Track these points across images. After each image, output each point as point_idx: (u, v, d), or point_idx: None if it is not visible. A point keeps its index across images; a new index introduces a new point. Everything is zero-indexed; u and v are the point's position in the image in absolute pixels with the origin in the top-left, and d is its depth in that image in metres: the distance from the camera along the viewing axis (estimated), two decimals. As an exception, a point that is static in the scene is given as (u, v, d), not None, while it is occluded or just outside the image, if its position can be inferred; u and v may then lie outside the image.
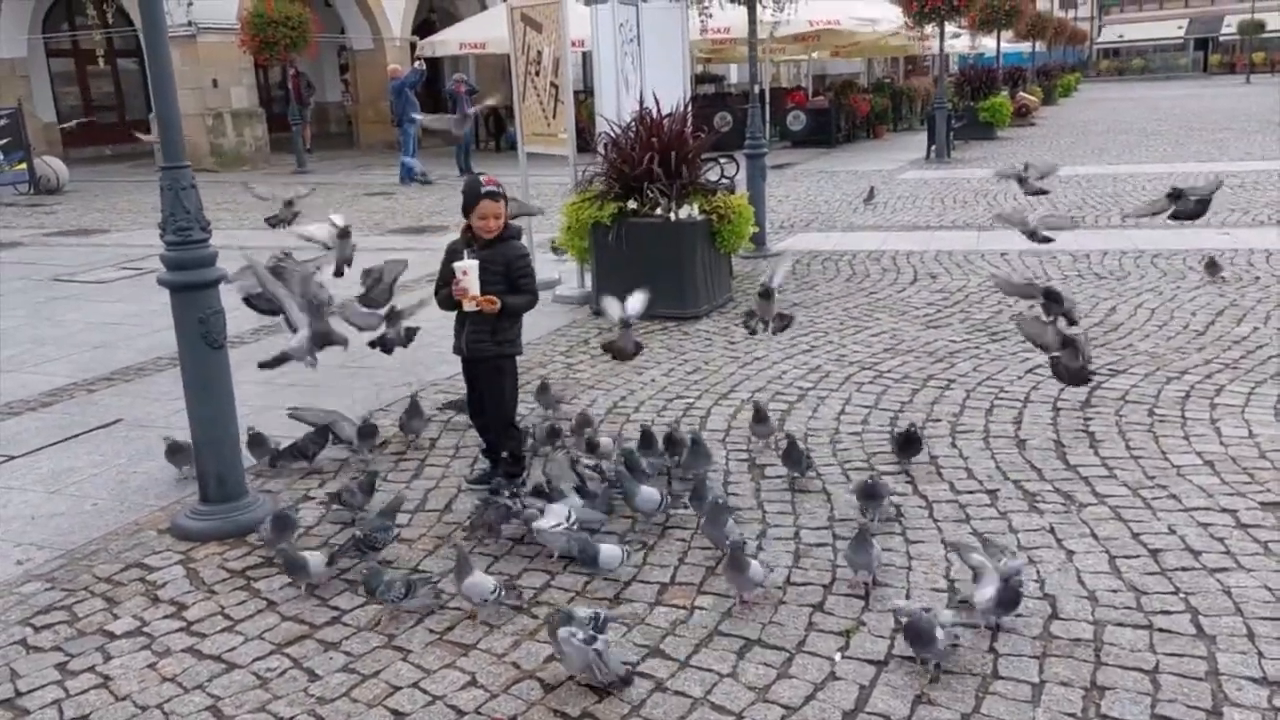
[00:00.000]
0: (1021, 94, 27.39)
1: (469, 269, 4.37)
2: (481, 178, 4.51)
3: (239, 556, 4.16)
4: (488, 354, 4.57)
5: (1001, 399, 5.63)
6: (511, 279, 4.50)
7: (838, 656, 3.28)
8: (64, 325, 8.39)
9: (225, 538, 4.29)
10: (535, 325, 7.68)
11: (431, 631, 3.56)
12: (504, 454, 4.66)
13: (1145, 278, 8.40)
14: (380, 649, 3.47)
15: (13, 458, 5.40)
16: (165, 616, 3.73)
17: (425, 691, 3.21)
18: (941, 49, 20.18)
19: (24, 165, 18.51)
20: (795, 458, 4.56)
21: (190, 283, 4.22)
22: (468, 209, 4.47)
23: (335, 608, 3.74)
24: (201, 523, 4.36)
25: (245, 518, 4.39)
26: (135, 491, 4.90)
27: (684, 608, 3.64)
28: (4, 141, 18.19)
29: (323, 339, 4.45)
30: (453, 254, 4.52)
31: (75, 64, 27.47)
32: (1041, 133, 24.62)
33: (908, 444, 4.72)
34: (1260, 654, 3.18)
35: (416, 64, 20.46)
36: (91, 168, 23.20)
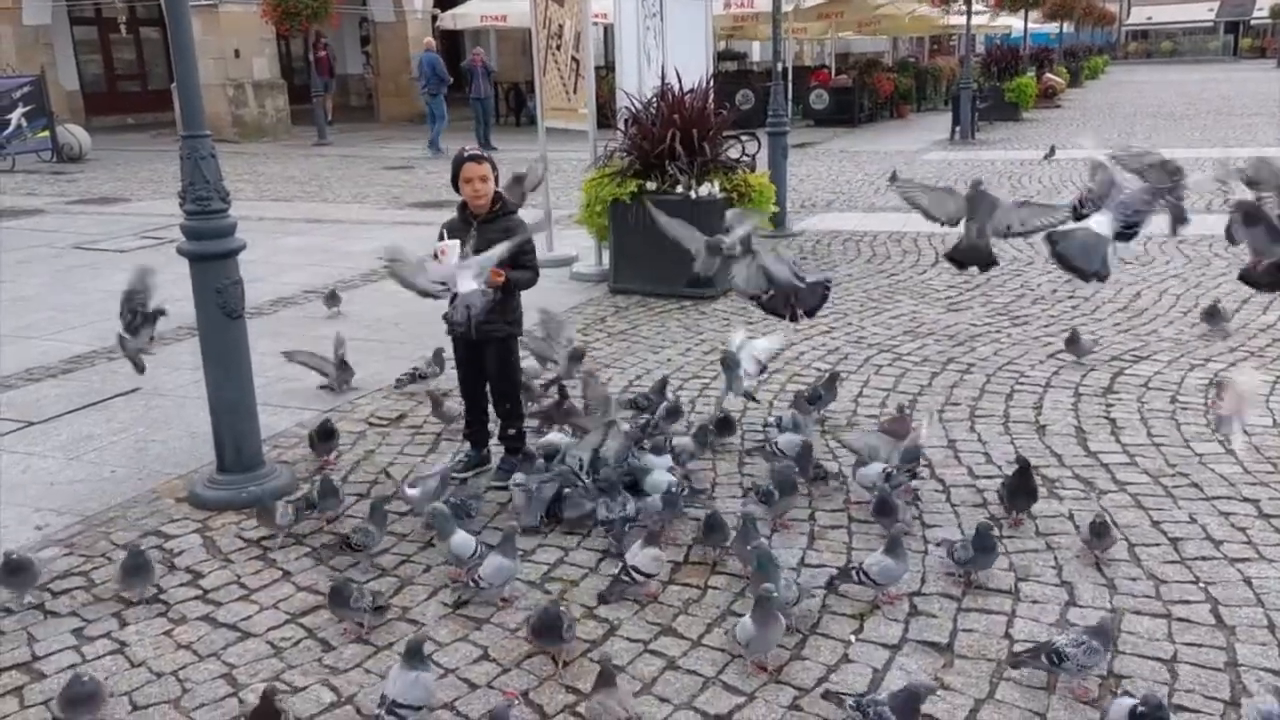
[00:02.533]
0: (1048, 75, 27.05)
1: (448, 249, 4.22)
2: (463, 148, 4.51)
3: (255, 526, 4.17)
4: (499, 334, 4.47)
5: (1022, 384, 5.58)
6: (513, 255, 4.36)
7: (852, 639, 3.27)
8: (84, 293, 8.43)
9: (242, 507, 4.31)
10: (552, 302, 7.63)
11: (444, 605, 3.57)
12: (509, 430, 4.62)
13: (1171, 263, 8.29)
14: (394, 621, 3.48)
15: (33, 424, 5.44)
16: (181, 584, 3.75)
17: (438, 664, 3.21)
18: (969, 28, 19.92)
19: (47, 133, 18.58)
20: (802, 467, 4.29)
21: (208, 253, 4.21)
22: (455, 179, 4.43)
23: (350, 580, 3.74)
24: (218, 492, 4.38)
25: (262, 488, 4.40)
26: (153, 460, 4.92)
27: (697, 587, 3.63)
28: (27, 109, 18.23)
29: None
30: (450, 232, 4.41)
31: (98, 32, 27.51)
32: (1067, 115, 24.32)
33: (1022, 481, 3.95)
34: (1280, 646, 3.15)
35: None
36: (113, 136, 23.26)
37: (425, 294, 4.17)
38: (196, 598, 3.66)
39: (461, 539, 3.65)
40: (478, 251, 4.22)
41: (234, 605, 3.60)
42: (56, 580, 3.78)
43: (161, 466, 4.83)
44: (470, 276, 4.09)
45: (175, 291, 4.97)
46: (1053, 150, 15.59)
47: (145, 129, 25.64)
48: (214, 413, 4.47)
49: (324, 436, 4.78)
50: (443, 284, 4.11)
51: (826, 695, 2.93)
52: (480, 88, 20.07)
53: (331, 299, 7.50)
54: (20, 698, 3.12)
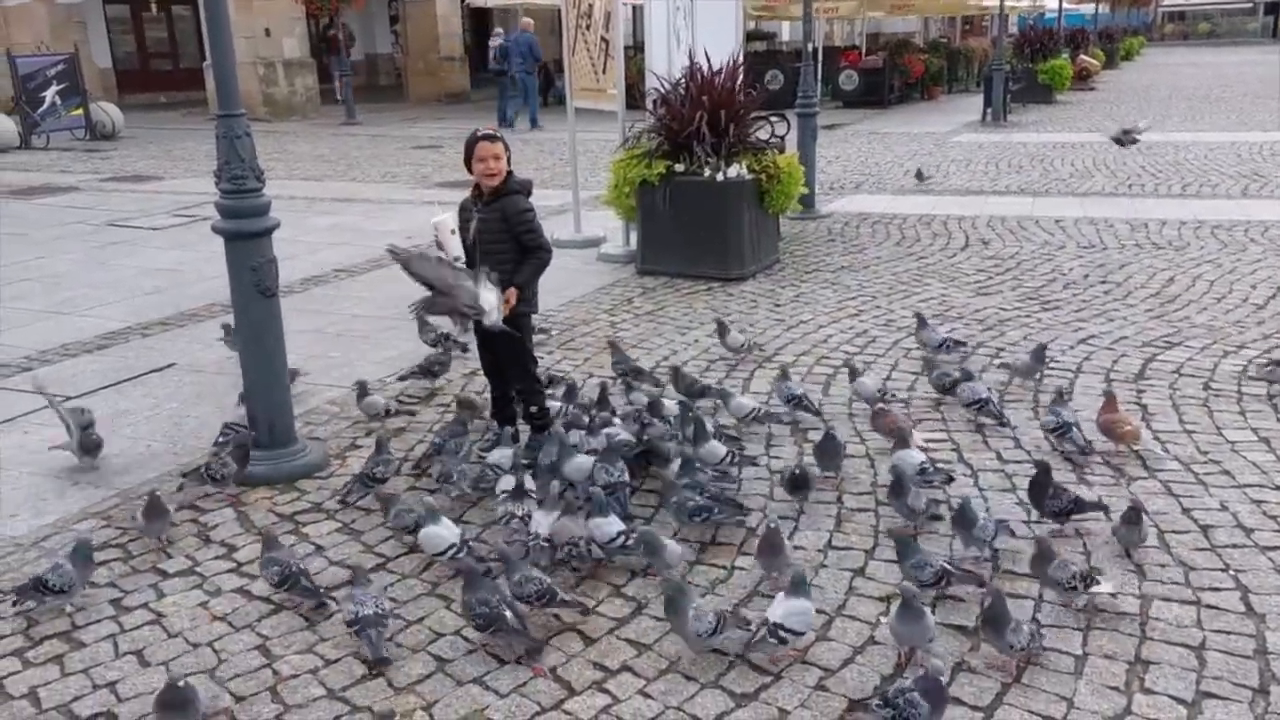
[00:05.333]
0: (1082, 57, 26.66)
1: (439, 225, 4.23)
2: (478, 129, 4.47)
3: (288, 501, 4.24)
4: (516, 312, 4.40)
5: (1052, 369, 5.53)
6: (514, 235, 4.35)
7: (878, 620, 3.28)
8: (119, 270, 8.54)
9: (275, 483, 4.37)
10: (579, 283, 7.69)
11: (474, 581, 3.61)
12: (531, 409, 4.64)
13: (1205, 249, 8.19)
14: (424, 596, 3.52)
15: (70, 398, 5.52)
16: (216, 557, 3.81)
17: (467, 639, 3.25)
18: (1002, 8, 19.66)
19: (80, 111, 18.77)
20: (832, 453, 4.26)
21: (244, 231, 4.26)
22: (468, 159, 4.40)
23: (381, 554, 3.80)
24: (253, 467, 4.42)
25: (294, 464, 4.46)
26: (188, 435, 4.99)
27: (724, 567, 3.65)
28: (61, 87, 18.42)
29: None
30: (463, 212, 4.45)
31: (131, 10, 27.73)
32: (1102, 97, 23.99)
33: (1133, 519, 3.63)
34: (1311, 635, 3.13)
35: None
36: (146, 114, 23.46)
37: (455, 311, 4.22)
38: (231, 570, 3.72)
39: (429, 533, 3.60)
40: (481, 230, 4.30)
41: (268, 578, 3.66)
42: (95, 552, 3.85)
43: (196, 441, 4.90)
44: (496, 310, 4.13)
45: (209, 269, 5.02)
46: (1127, 133, 12.29)
47: (177, 107, 25.85)
48: (248, 389, 4.53)
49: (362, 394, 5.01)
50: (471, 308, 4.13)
51: (852, 707, 2.89)
52: (511, 64, 20.30)
53: (229, 332, 5.73)
54: (61, 665, 3.20)
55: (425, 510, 3.68)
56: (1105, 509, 3.77)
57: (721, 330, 5.83)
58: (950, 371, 5.08)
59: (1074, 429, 4.42)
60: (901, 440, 4.19)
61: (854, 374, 5.15)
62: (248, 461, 4.31)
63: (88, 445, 4.55)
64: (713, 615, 3.07)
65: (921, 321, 5.81)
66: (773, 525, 3.52)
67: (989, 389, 4.88)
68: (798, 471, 4.03)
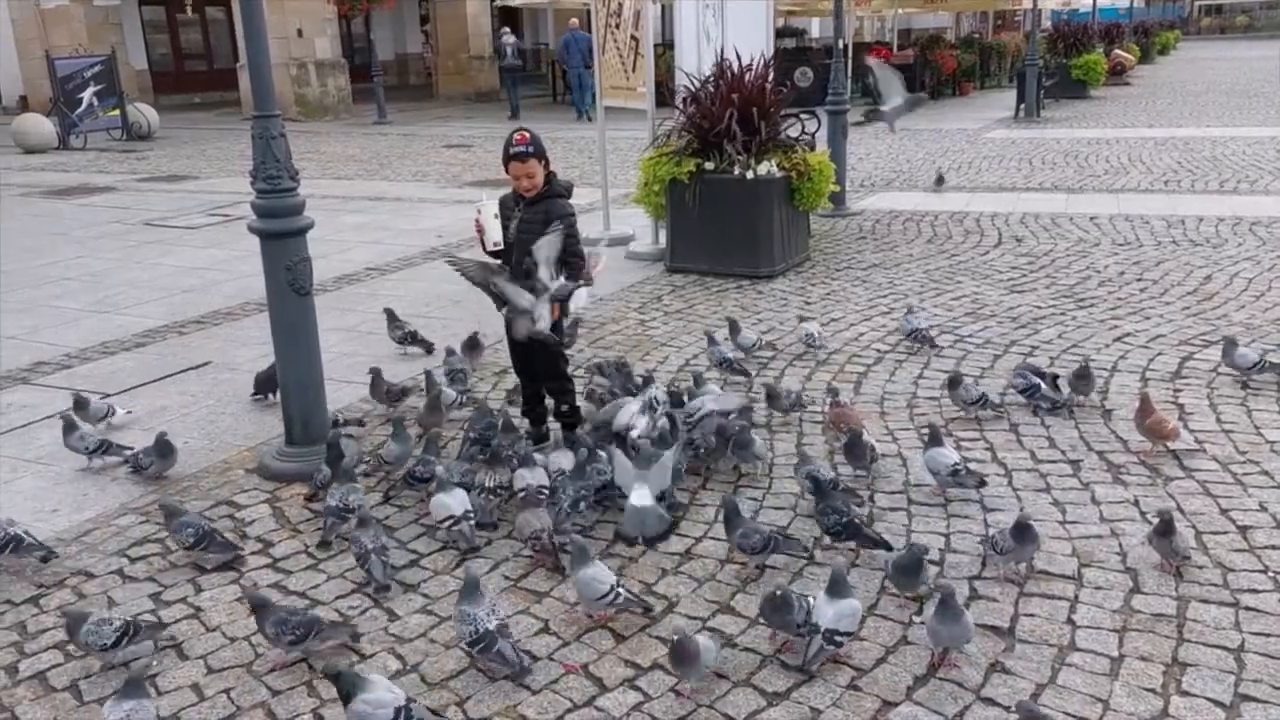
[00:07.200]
0: (1117, 51, 26.33)
1: (483, 209, 4.37)
2: (514, 135, 4.39)
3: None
4: None
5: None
6: (560, 251, 4.31)
7: (912, 620, 3.27)
8: (156, 269, 8.65)
9: (309, 479, 4.41)
10: (609, 281, 7.69)
11: (506, 578, 3.63)
12: (562, 407, 4.66)
13: (1243, 245, 8.07)
14: (458, 593, 3.54)
15: (108, 395, 5.60)
16: (252, 553, 3.86)
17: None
18: (1035, 3, 19.46)
19: (117, 111, 19.04)
20: (859, 453, 4.24)
21: (279, 230, 4.30)
22: (504, 166, 4.44)
23: (414, 551, 3.83)
24: (287, 464, 4.49)
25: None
26: (224, 431, 5.06)
27: (756, 566, 3.65)
28: (98, 88, 18.70)
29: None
30: (504, 208, 4.49)
31: (166, 12, 28.09)
32: (1137, 93, 23.68)
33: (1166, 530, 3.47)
34: (1353, 638, 3.08)
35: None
36: (180, 115, 23.75)
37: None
38: (267, 566, 3.77)
39: (439, 500, 3.82)
40: (522, 230, 4.35)
41: (303, 574, 3.70)
42: (134, 546, 3.92)
43: (232, 438, 4.97)
44: (546, 319, 4.26)
45: (243, 267, 5.07)
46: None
47: (211, 107, 26.16)
48: (283, 386, 4.58)
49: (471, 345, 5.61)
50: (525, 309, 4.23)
51: None
52: (572, 61, 20.69)
53: (79, 406, 5.03)
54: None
55: (445, 474, 3.86)
56: (888, 546, 3.57)
57: (733, 328, 5.79)
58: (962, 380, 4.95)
59: (1041, 389, 4.86)
60: (935, 438, 4.16)
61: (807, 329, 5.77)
62: (342, 458, 4.35)
63: (162, 450, 4.54)
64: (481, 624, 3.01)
65: (909, 310, 6.05)
66: (679, 636, 2.92)
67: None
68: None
